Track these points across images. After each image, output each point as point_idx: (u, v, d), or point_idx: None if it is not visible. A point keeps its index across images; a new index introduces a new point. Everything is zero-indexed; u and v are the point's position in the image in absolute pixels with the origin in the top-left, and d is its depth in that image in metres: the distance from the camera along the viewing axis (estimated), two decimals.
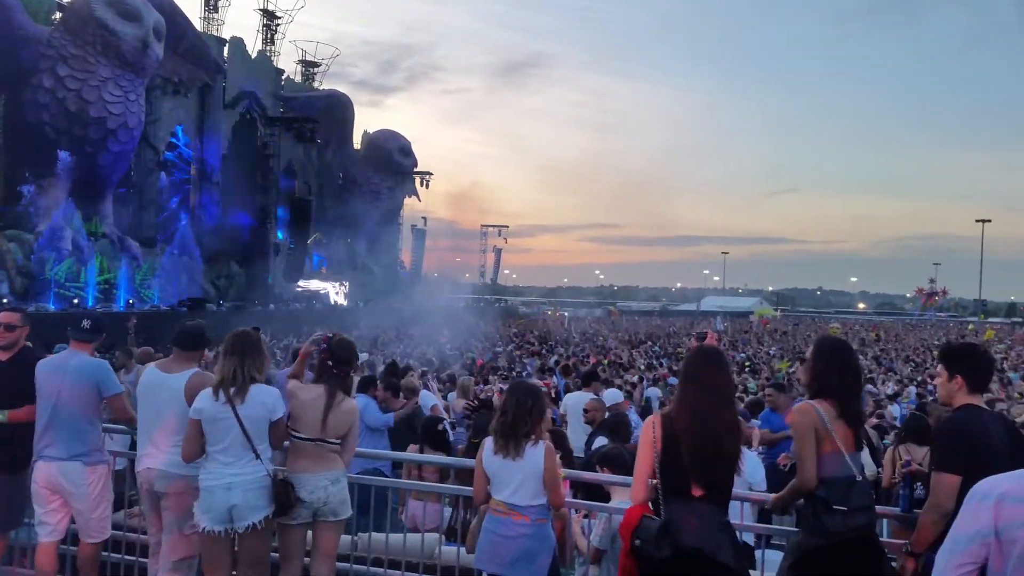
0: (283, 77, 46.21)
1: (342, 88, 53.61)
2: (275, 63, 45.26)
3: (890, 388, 16.03)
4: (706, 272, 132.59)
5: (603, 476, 4.35)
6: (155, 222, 35.15)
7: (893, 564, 3.38)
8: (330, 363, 4.10)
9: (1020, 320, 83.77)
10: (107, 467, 4.58)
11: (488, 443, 3.76)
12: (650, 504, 3.31)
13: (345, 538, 4.37)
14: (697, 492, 3.21)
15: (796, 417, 3.40)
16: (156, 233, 34.59)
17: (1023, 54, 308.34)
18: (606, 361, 21.64)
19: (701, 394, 3.30)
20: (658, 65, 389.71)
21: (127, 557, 4.82)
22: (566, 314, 66.43)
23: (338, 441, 4.03)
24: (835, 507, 3.23)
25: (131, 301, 29.47)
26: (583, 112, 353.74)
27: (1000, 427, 3.42)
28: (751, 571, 3.78)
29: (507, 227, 75.87)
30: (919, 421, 5.96)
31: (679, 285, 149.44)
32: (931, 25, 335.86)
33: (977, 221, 75.18)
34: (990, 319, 76.88)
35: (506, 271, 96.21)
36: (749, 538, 4.55)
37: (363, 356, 12.72)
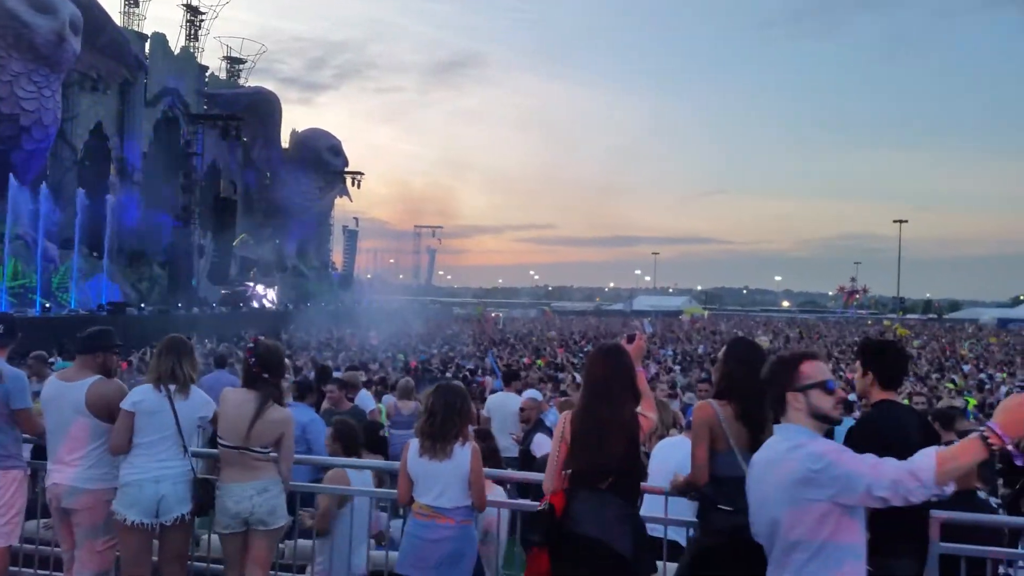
0: (207, 74, 45.05)
1: (270, 85, 52.44)
2: (199, 60, 44.10)
3: None
4: (638, 272, 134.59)
5: (529, 474, 4.37)
6: (73, 223, 33.78)
7: None
8: (255, 370, 4.01)
9: (935, 316, 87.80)
10: (21, 472, 4.41)
11: (413, 445, 3.74)
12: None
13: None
14: (602, 484, 3.31)
15: (695, 415, 3.52)
16: (74, 234, 33.25)
17: (938, 60, 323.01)
18: (540, 362, 21.77)
19: (590, 391, 3.48)
20: (591, 67, 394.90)
21: (39, 572, 4.65)
22: (500, 315, 66.60)
23: (264, 450, 3.94)
24: (720, 507, 3.31)
25: (47, 306, 28.22)
26: (518, 113, 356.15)
27: (913, 421, 3.57)
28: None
29: (441, 228, 75.80)
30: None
31: (612, 285, 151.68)
32: (852, 31, 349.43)
33: (895, 221, 78.23)
34: (908, 316, 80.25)
35: (440, 272, 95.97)
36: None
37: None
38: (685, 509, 4.58)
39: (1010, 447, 2.20)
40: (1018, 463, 2.30)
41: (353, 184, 53.95)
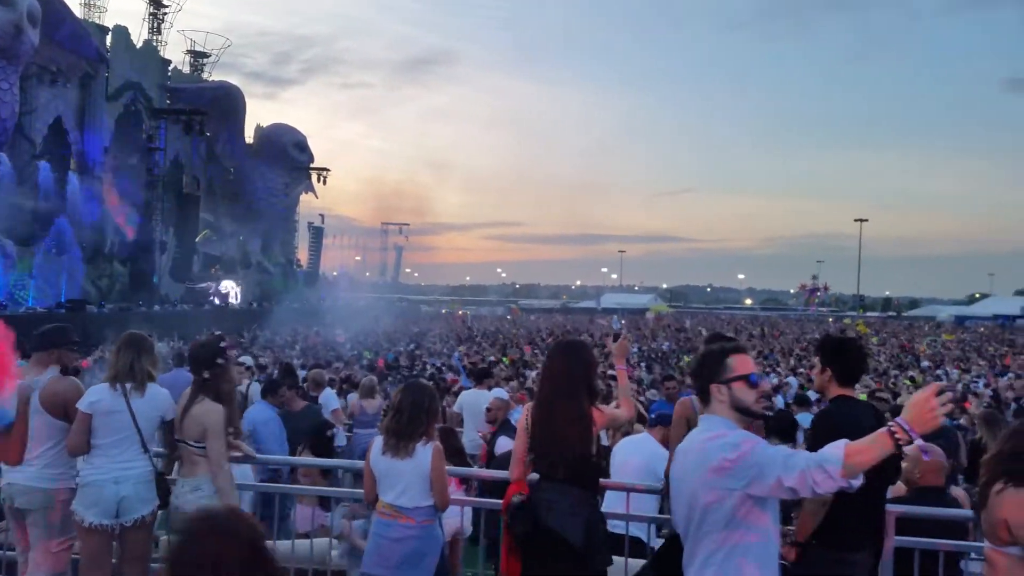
0: (170, 68, 44.36)
1: (234, 80, 52.14)
2: (162, 53, 43.43)
3: (773, 379, 16.77)
4: (604, 270, 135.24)
5: (494, 472, 4.38)
6: (32, 218, 33.03)
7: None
8: (190, 367, 4.06)
9: (895, 314, 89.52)
10: None
11: (377, 442, 3.73)
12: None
13: None
14: (559, 475, 3.43)
15: (676, 408, 3.59)
16: (33, 230, 32.51)
17: (900, 62, 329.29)
18: (506, 359, 21.79)
19: (546, 384, 3.63)
20: (563, 66, 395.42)
21: None
22: (467, 312, 66.48)
23: (199, 445, 3.92)
24: None
25: (3, 303, 27.57)
26: (488, 111, 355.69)
27: (870, 417, 3.64)
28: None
29: (408, 225, 75.07)
30: (786, 416, 6.24)
31: (579, 283, 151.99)
32: (818, 33, 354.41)
33: (856, 220, 79.67)
34: (868, 313, 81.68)
35: (408, 269, 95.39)
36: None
37: (247, 359, 12.37)
38: (647, 505, 4.64)
39: (917, 442, 2.27)
40: (926, 457, 2.38)
41: (319, 180, 53.53)
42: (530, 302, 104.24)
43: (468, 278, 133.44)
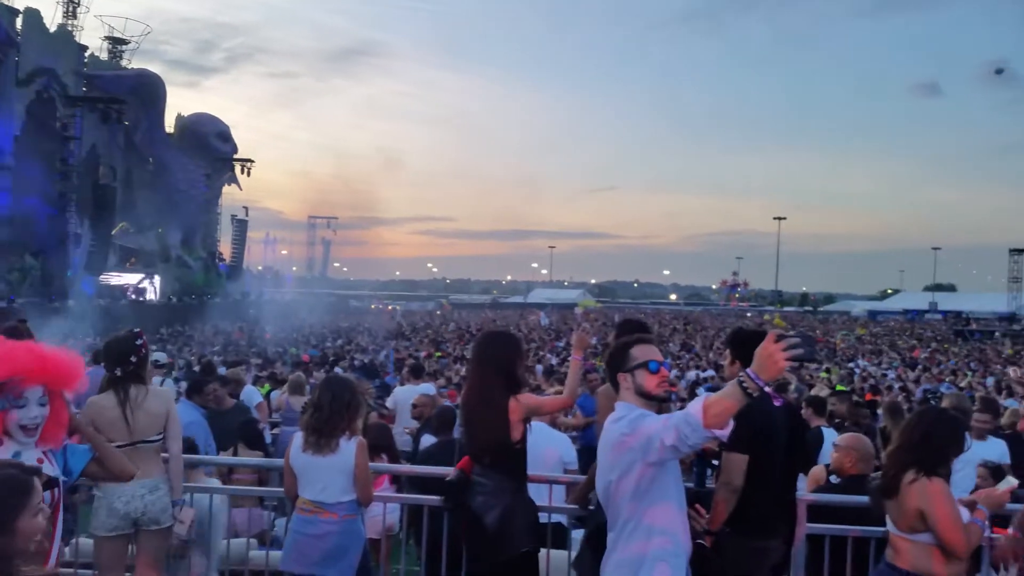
0: (87, 54, 42.49)
1: (154, 68, 50.33)
2: (78, 39, 41.52)
3: (693, 374, 17.19)
4: (535, 265, 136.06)
5: (423, 469, 4.38)
6: None
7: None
8: (106, 364, 3.91)
9: (811, 309, 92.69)
10: None
11: (297, 439, 3.70)
12: None
13: None
14: (484, 460, 3.58)
15: (599, 398, 3.68)
16: None
17: (817, 65, 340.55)
18: (437, 354, 21.72)
19: (471, 373, 3.81)
20: (489, 61, 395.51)
21: None
22: (398, 308, 65.94)
23: (158, 437, 3.81)
24: None
25: None
26: (417, 104, 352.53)
27: (781, 408, 3.77)
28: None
29: (337, 219, 73.86)
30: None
31: (509, 278, 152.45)
32: (737, 32, 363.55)
33: (775, 218, 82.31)
34: (785, 308, 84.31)
35: (336, 264, 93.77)
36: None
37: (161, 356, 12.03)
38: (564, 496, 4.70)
39: (767, 389, 2.46)
40: (777, 403, 2.60)
41: (243, 172, 52.24)
42: (461, 297, 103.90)
43: (398, 273, 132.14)
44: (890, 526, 3.39)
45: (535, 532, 3.76)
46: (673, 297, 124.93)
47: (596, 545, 3.22)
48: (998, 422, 6.92)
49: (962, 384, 17.29)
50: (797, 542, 3.92)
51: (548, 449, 5.05)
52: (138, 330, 4.07)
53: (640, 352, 2.92)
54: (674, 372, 14.74)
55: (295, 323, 36.02)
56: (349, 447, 3.65)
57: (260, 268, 67.02)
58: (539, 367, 16.28)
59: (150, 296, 42.25)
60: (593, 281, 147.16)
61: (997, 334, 45.01)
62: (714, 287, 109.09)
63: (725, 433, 2.68)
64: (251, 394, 8.39)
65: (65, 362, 2.92)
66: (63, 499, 2.89)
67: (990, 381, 18.85)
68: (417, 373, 9.09)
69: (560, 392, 5.32)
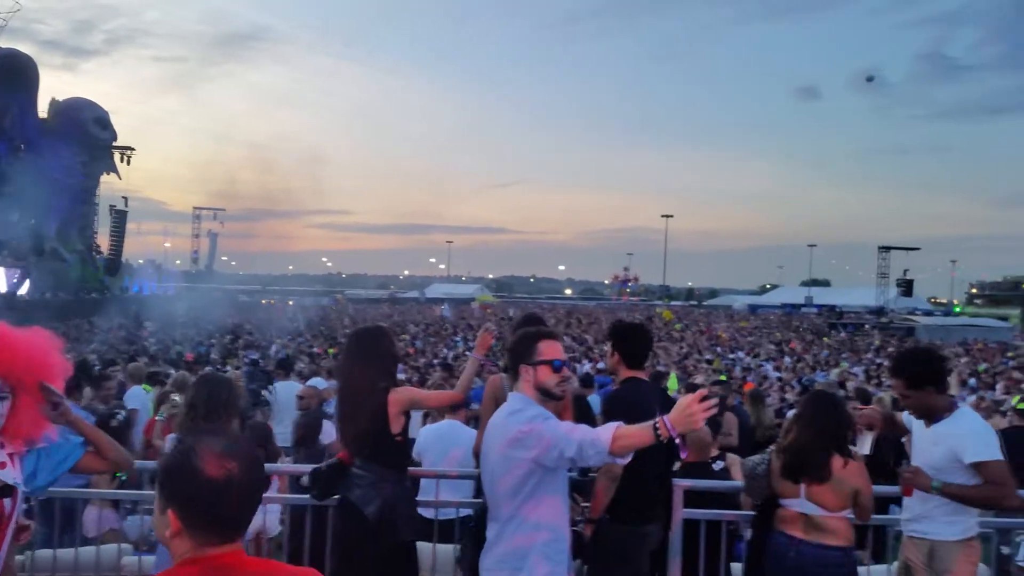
0: None
1: (26, 48, 47.04)
2: None
3: (587, 367, 17.56)
4: (432, 260, 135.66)
5: (300, 467, 4.32)
6: None
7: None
8: None
9: (696, 303, 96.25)
10: None
11: (171, 441, 3.57)
12: None
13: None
14: (363, 453, 3.62)
15: (486, 386, 3.73)
16: None
17: (701, 68, 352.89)
18: (331, 351, 21.33)
19: (343, 367, 3.84)
20: (388, 52, 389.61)
21: None
22: (291, 302, 64.19)
23: None
24: None
25: None
26: (312, 93, 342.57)
27: (656, 397, 3.93)
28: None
29: (224, 210, 71.32)
30: (578, 403, 6.51)
31: (407, 272, 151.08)
32: (630, 34, 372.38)
33: (663, 216, 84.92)
34: (672, 302, 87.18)
35: (224, 257, 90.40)
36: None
37: None
38: (457, 490, 4.73)
39: (677, 440, 2.56)
40: (682, 455, 2.74)
41: (123, 160, 50.02)
42: (357, 292, 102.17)
43: (291, 267, 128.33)
44: (814, 509, 3.54)
45: (416, 522, 3.79)
46: (568, 292, 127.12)
47: (477, 536, 3.26)
48: None
49: (835, 373, 18.37)
50: (674, 526, 4.08)
51: (454, 450, 5.10)
52: None
53: (547, 348, 2.94)
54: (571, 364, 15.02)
55: (179, 319, 34.56)
56: None
57: (141, 262, 63.93)
58: (435, 362, 16.25)
59: (22, 292, 39.60)
60: (491, 276, 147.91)
61: (867, 326, 48.04)
62: (607, 282, 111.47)
63: (625, 460, 2.76)
64: (135, 394, 8.04)
65: (30, 346, 2.51)
66: (18, 508, 2.53)
67: (859, 370, 20.13)
68: (286, 368, 8.97)
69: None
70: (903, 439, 4.97)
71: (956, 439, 3.46)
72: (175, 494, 1.53)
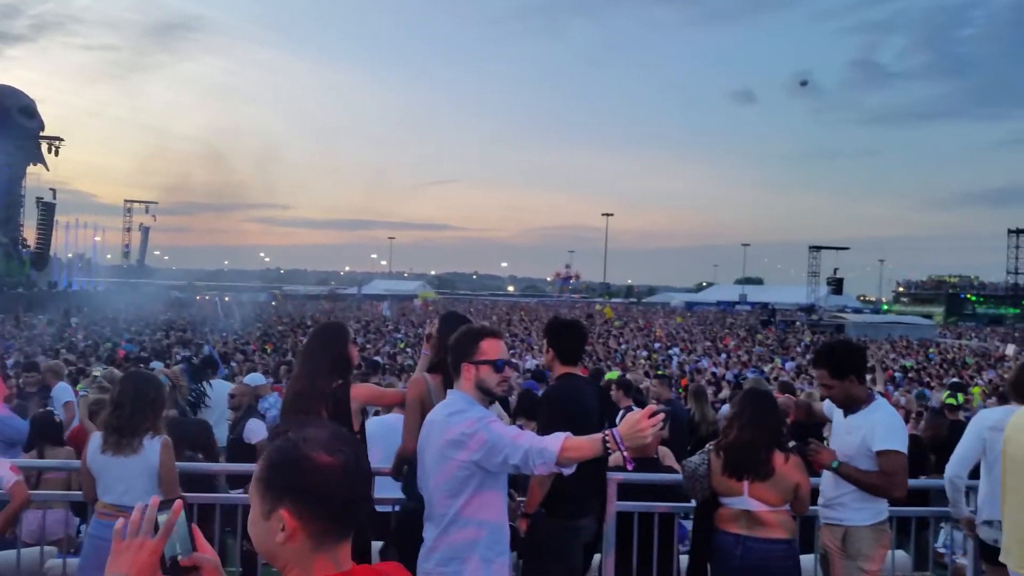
0: None
1: None
2: None
3: (529, 362, 17.70)
4: (374, 256, 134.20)
5: (239, 465, 4.25)
6: None
7: None
8: None
9: (635, 300, 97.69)
10: None
11: (95, 439, 3.47)
12: None
13: None
14: None
15: (408, 389, 3.69)
16: None
17: (640, 70, 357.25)
18: (268, 348, 21.01)
19: (301, 363, 3.76)
20: (327, 46, 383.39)
21: None
22: (226, 298, 62.78)
23: None
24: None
25: None
26: (247, 85, 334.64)
27: (592, 392, 4.00)
28: None
29: (156, 203, 69.38)
30: (530, 397, 6.57)
31: (348, 268, 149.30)
32: (572, 34, 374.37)
33: (603, 215, 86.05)
34: (613, 300, 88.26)
35: (157, 252, 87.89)
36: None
37: None
38: (388, 487, 4.72)
39: (624, 454, 2.60)
40: (629, 467, 2.79)
41: (50, 151, 48.30)
42: (296, 288, 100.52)
43: (227, 262, 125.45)
44: (757, 506, 3.62)
45: (376, 521, 3.77)
46: (511, 289, 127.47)
47: (408, 532, 3.26)
48: None
49: (767, 369, 18.88)
50: (608, 519, 4.14)
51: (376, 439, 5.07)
52: None
53: (490, 348, 2.89)
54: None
55: (109, 315, 33.53)
56: (153, 446, 3.46)
57: (70, 256, 61.68)
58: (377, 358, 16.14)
59: None
60: (433, 272, 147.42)
61: (798, 323, 49.43)
62: (549, 279, 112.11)
63: (570, 470, 2.75)
64: (63, 390, 7.79)
65: None
66: None
67: (791, 366, 20.72)
68: (212, 366, 8.81)
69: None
70: (824, 428, 5.15)
71: (868, 429, 3.62)
72: (289, 487, 1.39)
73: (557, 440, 2.64)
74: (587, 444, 2.62)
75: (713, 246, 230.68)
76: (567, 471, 2.75)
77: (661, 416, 2.58)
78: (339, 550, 1.42)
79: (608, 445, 2.56)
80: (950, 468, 3.98)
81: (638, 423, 2.54)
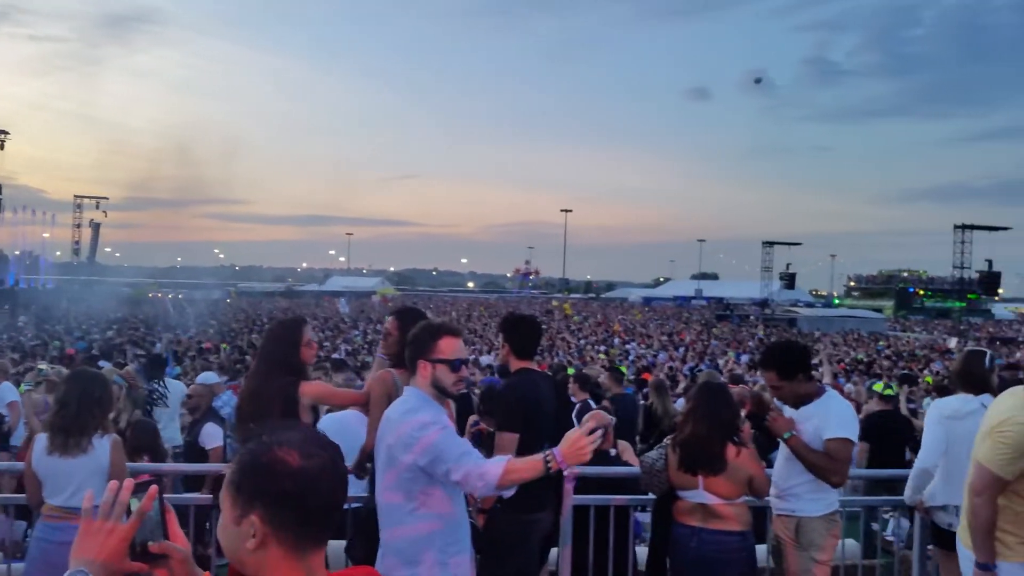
0: None
1: None
2: None
3: (485, 359, 17.70)
4: (332, 252, 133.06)
5: (197, 466, 4.19)
6: None
7: None
8: None
9: (594, 296, 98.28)
10: None
11: (40, 441, 3.39)
12: None
13: None
14: None
15: (374, 384, 3.66)
16: None
17: (598, 66, 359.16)
18: (225, 346, 20.67)
19: (256, 360, 3.77)
20: (284, 41, 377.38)
21: None
22: (180, 296, 61.59)
23: None
24: None
25: None
26: (201, 79, 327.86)
27: (548, 386, 4.02)
28: None
29: (107, 199, 67.64)
30: (490, 392, 6.58)
31: (305, 265, 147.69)
32: (530, 31, 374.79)
33: (562, 211, 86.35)
34: (572, 295, 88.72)
35: (108, 249, 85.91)
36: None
37: None
38: (355, 484, 4.68)
39: (566, 472, 2.62)
40: (568, 486, 2.80)
41: None
42: (252, 285, 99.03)
43: (180, 259, 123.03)
44: (712, 499, 3.70)
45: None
46: (471, 285, 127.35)
47: (366, 530, 3.25)
48: None
49: (721, 363, 19.15)
50: (565, 512, 4.18)
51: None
52: None
53: (447, 346, 2.87)
54: (471, 357, 15.09)
55: (58, 313, 32.68)
56: (102, 446, 3.39)
57: (17, 253, 59.92)
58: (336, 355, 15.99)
59: None
60: (392, 269, 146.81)
61: (752, 317, 50.25)
62: (508, 275, 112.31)
63: (510, 493, 2.77)
64: (7, 389, 7.58)
65: None
66: None
67: (745, 359, 21.06)
68: (160, 364, 8.67)
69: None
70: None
71: (822, 418, 3.72)
72: (261, 492, 1.32)
73: (499, 464, 2.64)
74: (530, 466, 2.63)
75: (670, 242, 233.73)
76: (507, 494, 2.77)
77: (600, 433, 2.60)
78: (312, 558, 1.36)
79: (550, 465, 2.58)
80: (924, 458, 4.05)
81: (577, 441, 2.56)
